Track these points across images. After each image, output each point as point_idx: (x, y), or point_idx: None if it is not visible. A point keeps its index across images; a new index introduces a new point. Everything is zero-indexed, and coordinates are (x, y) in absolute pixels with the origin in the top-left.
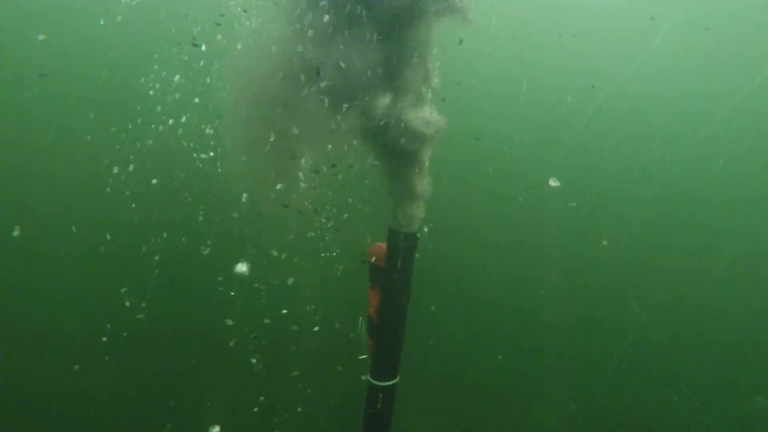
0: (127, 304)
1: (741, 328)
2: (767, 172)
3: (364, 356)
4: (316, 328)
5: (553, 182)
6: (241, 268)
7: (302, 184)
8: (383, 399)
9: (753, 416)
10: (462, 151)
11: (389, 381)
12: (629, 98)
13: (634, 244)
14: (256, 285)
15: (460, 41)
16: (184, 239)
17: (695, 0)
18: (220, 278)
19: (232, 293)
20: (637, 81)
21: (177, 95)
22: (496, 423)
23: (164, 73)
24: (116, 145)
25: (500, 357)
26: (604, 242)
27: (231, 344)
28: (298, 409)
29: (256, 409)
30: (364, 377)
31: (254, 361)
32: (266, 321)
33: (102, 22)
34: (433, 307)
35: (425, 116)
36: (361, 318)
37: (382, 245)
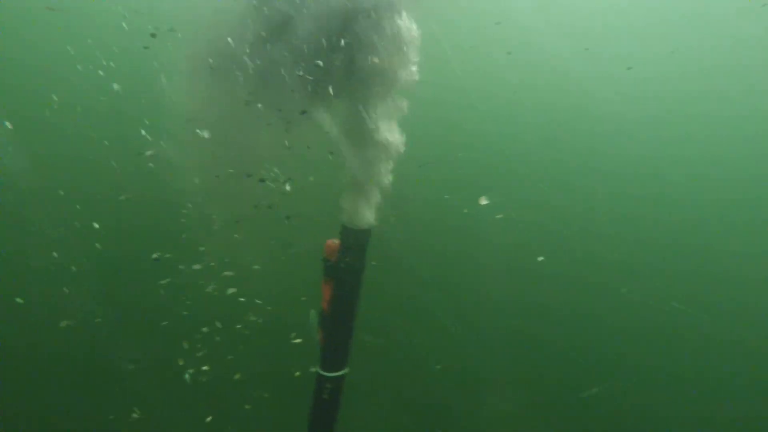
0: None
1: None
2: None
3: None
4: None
5: (483, 200)
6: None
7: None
8: (331, 390)
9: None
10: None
11: (338, 372)
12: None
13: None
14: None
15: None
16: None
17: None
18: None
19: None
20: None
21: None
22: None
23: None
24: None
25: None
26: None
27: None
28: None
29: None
30: (313, 369)
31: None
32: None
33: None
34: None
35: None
36: (312, 310)
37: (338, 241)
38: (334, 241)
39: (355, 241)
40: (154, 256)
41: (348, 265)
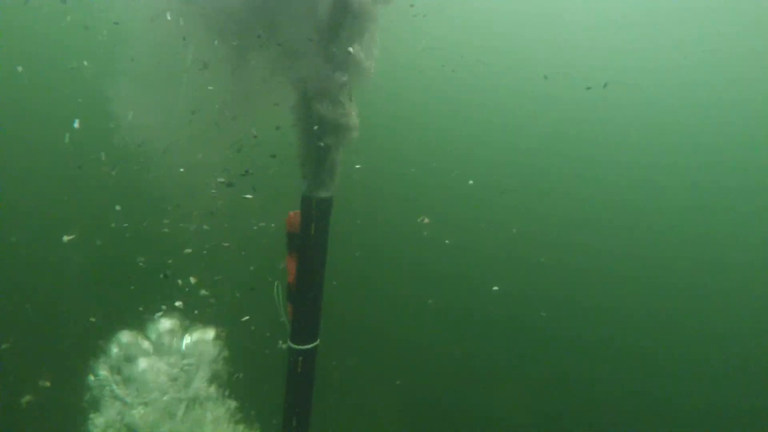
0: None
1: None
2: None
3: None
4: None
5: (425, 220)
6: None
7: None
8: (304, 362)
9: None
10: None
11: (309, 344)
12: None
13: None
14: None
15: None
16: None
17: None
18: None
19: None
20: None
21: None
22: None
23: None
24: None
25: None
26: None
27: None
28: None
29: None
30: (284, 344)
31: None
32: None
33: None
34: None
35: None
36: (277, 282)
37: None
38: (296, 213)
39: (316, 210)
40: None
41: (310, 236)
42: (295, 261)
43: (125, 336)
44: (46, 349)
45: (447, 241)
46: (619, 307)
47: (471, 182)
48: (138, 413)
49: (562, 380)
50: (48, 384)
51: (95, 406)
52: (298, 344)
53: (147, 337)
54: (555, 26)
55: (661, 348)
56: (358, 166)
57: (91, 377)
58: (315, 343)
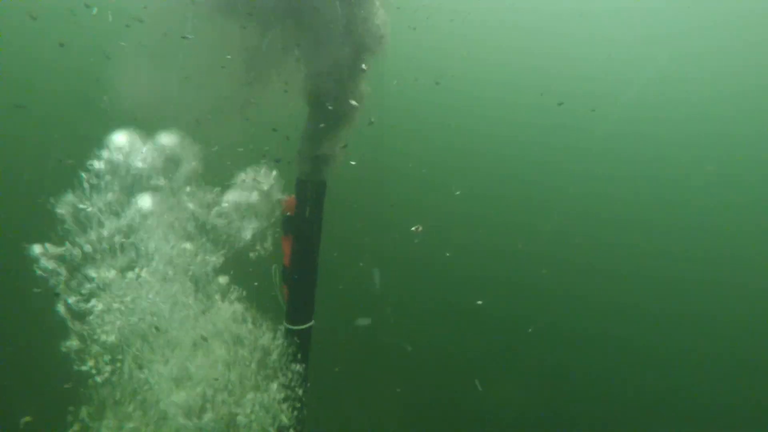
0: None
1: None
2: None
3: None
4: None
5: (419, 229)
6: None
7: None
8: (299, 342)
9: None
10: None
11: (304, 324)
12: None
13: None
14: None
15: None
16: None
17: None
18: None
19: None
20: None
21: None
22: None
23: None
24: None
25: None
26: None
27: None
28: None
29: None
30: (281, 326)
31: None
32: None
33: None
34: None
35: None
36: (274, 266)
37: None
38: (292, 196)
39: (311, 193)
40: None
41: (304, 218)
42: (290, 242)
43: None
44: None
45: (447, 254)
46: (620, 303)
47: (458, 192)
48: None
49: (564, 378)
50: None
51: None
52: (294, 325)
53: None
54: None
55: (665, 344)
56: (353, 163)
57: None
58: (310, 324)
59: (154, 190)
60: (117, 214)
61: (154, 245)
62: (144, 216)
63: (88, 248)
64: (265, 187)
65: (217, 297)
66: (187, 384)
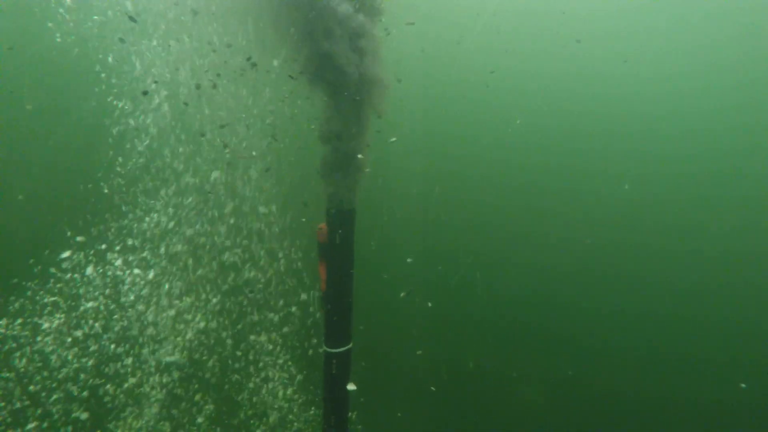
0: None
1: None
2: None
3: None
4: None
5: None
6: None
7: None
8: (338, 365)
9: None
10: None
11: (342, 347)
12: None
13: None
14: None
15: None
16: None
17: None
18: None
19: None
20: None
21: None
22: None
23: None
24: None
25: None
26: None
27: None
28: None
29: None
30: (321, 349)
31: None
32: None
33: None
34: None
35: None
36: (316, 293)
37: None
38: (324, 225)
39: (340, 222)
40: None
41: (335, 245)
42: (325, 269)
43: None
44: None
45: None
46: (632, 309)
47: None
48: None
49: (580, 384)
50: None
51: None
52: (332, 347)
53: None
54: None
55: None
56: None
57: None
58: (348, 347)
59: None
60: None
61: None
62: None
63: None
64: None
65: None
66: None
